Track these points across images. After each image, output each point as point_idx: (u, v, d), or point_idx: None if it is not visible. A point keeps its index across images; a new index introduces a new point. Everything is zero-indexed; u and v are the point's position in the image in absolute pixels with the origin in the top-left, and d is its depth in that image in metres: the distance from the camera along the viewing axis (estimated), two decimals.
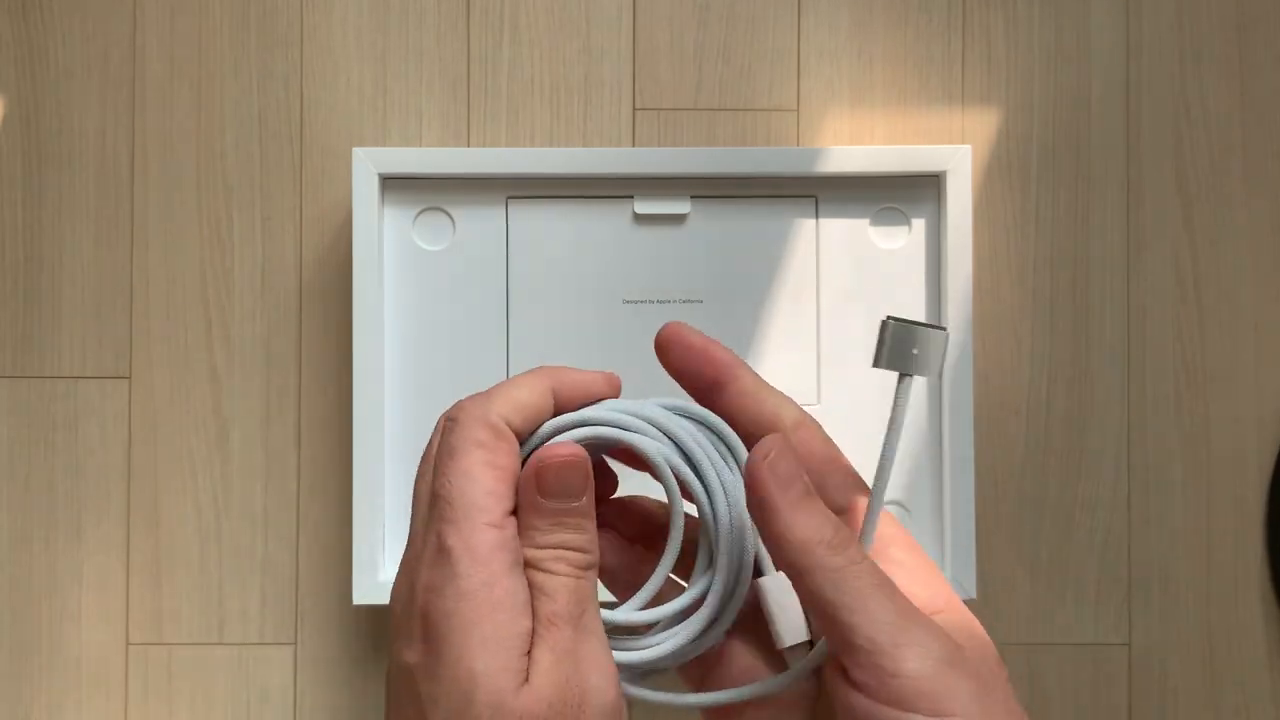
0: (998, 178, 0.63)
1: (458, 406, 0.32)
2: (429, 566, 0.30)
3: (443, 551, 0.29)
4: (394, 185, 0.60)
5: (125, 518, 0.62)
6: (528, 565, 0.30)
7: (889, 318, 0.30)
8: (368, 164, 0.58)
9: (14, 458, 0.62)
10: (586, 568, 0.31)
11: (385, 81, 0.63)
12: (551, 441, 0.32)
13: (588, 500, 0.31)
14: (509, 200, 0.60)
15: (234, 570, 0.62)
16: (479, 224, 0.60)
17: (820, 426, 0.33)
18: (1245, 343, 0.63)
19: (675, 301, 0.61)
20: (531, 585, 0.30)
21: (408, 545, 0.32)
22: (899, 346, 0.29)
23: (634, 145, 0.63)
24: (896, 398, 0.29)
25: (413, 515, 0.32)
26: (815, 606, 0.29)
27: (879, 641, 0.28)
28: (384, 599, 0.58)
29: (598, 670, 0.29)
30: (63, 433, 0.62)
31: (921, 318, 0.60)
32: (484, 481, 0.30)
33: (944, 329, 0.29)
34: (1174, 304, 0.63)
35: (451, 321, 0.60)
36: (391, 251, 0.60)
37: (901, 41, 0.63)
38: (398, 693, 0.30)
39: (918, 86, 0.63)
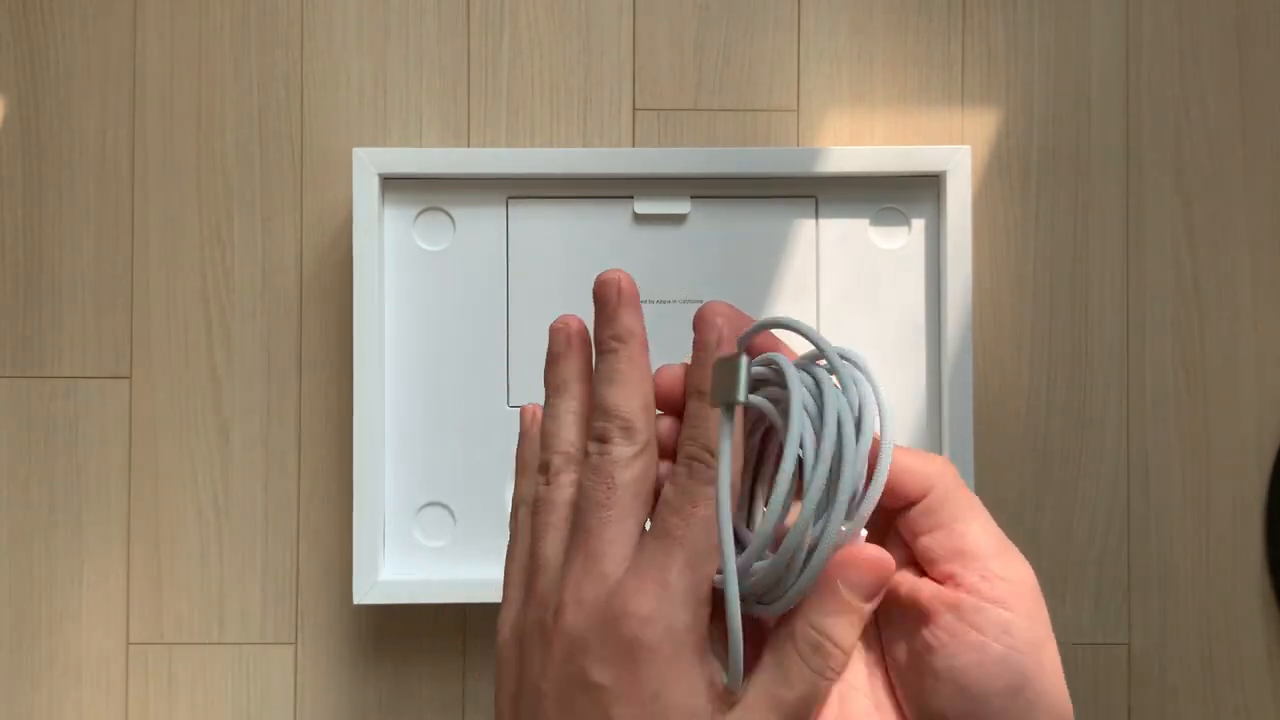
0: (997, 178, 0.63)
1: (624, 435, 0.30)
2: (638, 594, 0.28)
3: (664, 585, 0.27)
4: (394, 185, 0.60)
5: (125, 518, 0.62)
6: (789, 638, 0.28)
7: (720, 359, 0.29)
8: (368, 164, 0.58)
9: (14, 458, 0.62)
10: (836, 675, 0.28)
11: (385, 81, 0.63)
12: (866, 546, 0.29)
13: (869, 608, 0.29)
14: (509, 200, 0.60)
15: (234, 570, 0.62)
16: (479, 224, 0.60)
17: None
18: (1245, 343, 0.63)
19: (675, 301, 0.61)
20: (775, 656, 0.28)
21: (588, 541, 0.29)
22: (721, 382, 0.28)
23: (634, 145, 0.63)
24: (724, 425, 0.28)
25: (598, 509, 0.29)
26: (924, 523, 0.29)
27: (989, 546, 0.29)
28: (384, 599, 0.58)
29: None
30: (63, 433, 0.62)
31: (913, 316, 0.60)
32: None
33: (738, 354, 0.28)
34: (1174, 304, 0.63)
35: (451, 321, 0.60)
36: (392, 251, 0.60)
37: (901, 42, 0.63)
38: (572, 705, 0.28)
39: (918, 87, 0.63)
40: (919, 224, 0.60)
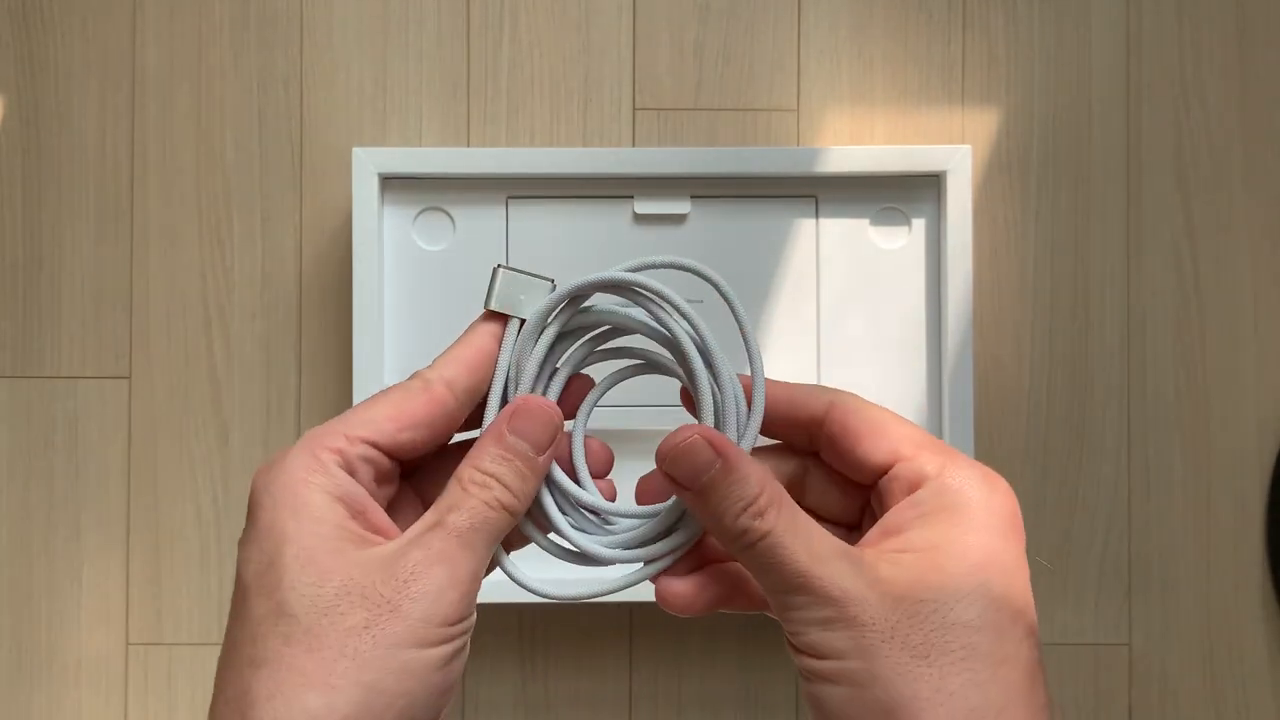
0: (998, 177, 0.63)
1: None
2: None
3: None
4: (394, 185, 0.60)
5: (125, 518, 0.62)
6: (455, 480, 0.30)
7: (499, 266, 0.34)
8: (368, 164, 0.58)
9: (14, 457, 0.62)
10: (504, 508, 0.30)
11: (385, 81, 0.63)
12: (533, 395, 0.32)
13: (543, 460, 0.31)
14: (509, 200, 0.60)
15: (234, 570, 0.62)
16: (479, 224, 0.60)
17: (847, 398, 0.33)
18: (1245, 343, 0.63)
19: None
20: (444, 495, 0.30)
21: None
22: (507, 291, 0.34)
23: (634, 145, 0.63)
24: (504, 339, 0.33)
25: None
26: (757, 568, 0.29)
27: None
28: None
29: (451, 577, 0.29)
30: (63, 433, 0.62)
31: (913, 316, 0.60)
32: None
33: (550, 280, 0.33)
34: (1174, 304, 0.63)
35: (451, 321, 0.60)
36: (392, 251, 0.60)
37: (902, 41, 0.63)
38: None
39: (918, 86, 0.63)
40: (919, 224, 0.60)
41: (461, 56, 0.63)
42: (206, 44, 0.63)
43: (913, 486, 0.29)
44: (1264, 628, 0.62)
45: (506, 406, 0.32)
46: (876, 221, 0.60)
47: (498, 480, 0.30)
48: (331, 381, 0.62)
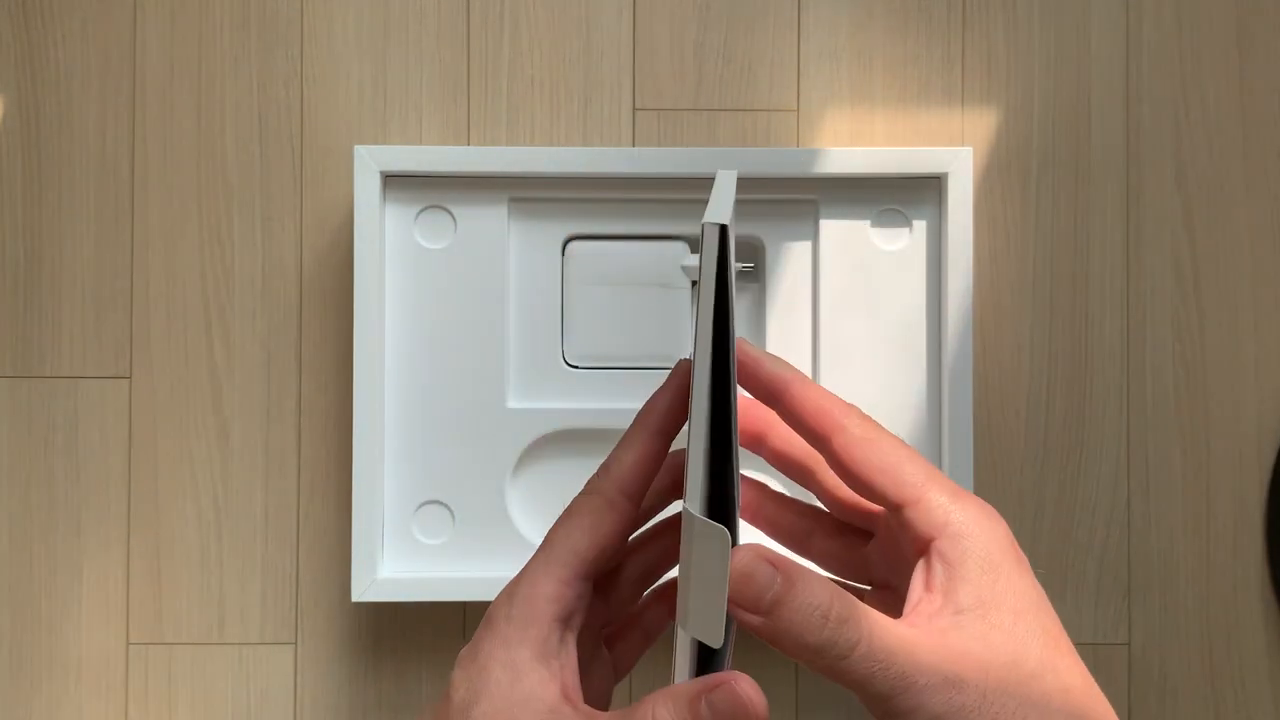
0: (998, 178, 0.63)
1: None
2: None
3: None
4: (395, 183, 0.60)
5: (125, 518, 0.62)
6: (643, 704, 0.30)
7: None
8: (369, 161, 0.58)
9: (14, 458, 0.62)
10: None
11: (385, 81, 0.63)
12: (741, 678, 0.29)
13: None
14: (511, 199, 0.60)
15: (234, 570, 0.62)
16: (480, 222, 0.60)
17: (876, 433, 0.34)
18: (1245, 343, 0.63)
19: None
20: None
21: None
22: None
23: (634, 145, 0.63)
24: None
25: None
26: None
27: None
28: (382, 597, 0.58)
29: None
30: (63, 433, 0.62)
31: (913, 316, 0.60)
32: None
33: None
34: (1174, 304, 0.63)
35: (452, 320, 0.60)
36: (393, 249, 0.60)
37: (901, 42, 0.63)
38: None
39: (918, 87, 0.63)
40: (920, 225, 0.60)
41: (461, 56, 0.63)
42: (207, 44, 0.63)
43: (930, 535, 0.31)
44: (1264, 628, 0.62)
45: (712, 677, 0.29)
46: (877, 223, 0.60)
47: None
48: (332, 381, 0.62)
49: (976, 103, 0.63)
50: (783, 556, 0.29)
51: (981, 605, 0.30)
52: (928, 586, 0.31)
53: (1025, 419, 0.63)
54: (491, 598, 0.35)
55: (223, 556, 0.62)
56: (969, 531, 0.31)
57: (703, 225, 0.29)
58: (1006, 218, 0.63)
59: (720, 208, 0.30)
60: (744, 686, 0.29)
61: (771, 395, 0.34)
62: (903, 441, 0.34)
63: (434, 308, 0.60)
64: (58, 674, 0.62)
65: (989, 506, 0.32)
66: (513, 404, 0.60)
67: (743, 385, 0.34)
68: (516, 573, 0.33)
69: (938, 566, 0.31)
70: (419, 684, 0.62)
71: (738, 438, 0.30)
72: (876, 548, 0.36)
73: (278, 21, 0.63)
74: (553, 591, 0.31)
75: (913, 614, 0.31)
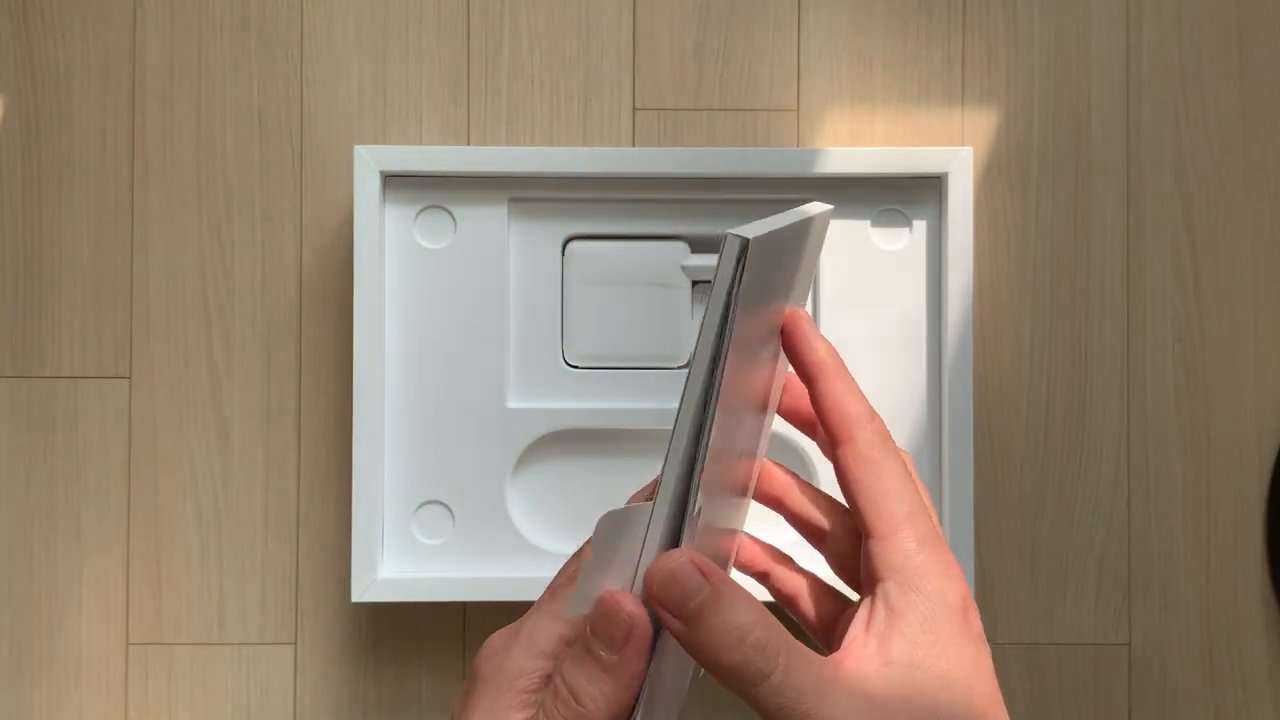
0: (998, 178, 0.63)
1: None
2: None
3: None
4: (395, 183, 0.60)
5: (125, 518, 0.62)
6: (545, 698, 0.30)
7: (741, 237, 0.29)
8: (369, 161, 0.58)
9: (14, 458, 0.62)
10: (577, 716, 0.29)
11: (385, 81, 0.63)
12: (613, 593, 0.29)
13: (621, 659, 0.29)
14: (511, 199, 0.60)
15: (234, 570, 0.62)
16: (480, 222, 0.60)
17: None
18: (1245, 342, 0.63)
19: None
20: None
21: None
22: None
23: (634, 145, 0.63)
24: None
25: None
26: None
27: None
28: (382, 597, 0.58)
29: None
30: (63, 433, 0.62)
31: (913, 316, 0.60)
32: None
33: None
34: (1174, 304, 0.63)
35: (452, 320, 0.60)
36: (393, 249, 0.60)
37: (901, 42, 0.63)
38: None
39: (918, 87, 0.63)
40: (920, 225, 0.60)
41: (461, 56, 0.63)
42: (207, 44, 0.63)
43: (880, 576, 0.31)
44: (1264, 628, 0.62)
45: (593, 609, 0.30)
46: (878, 223, 0.60)
47: (568, 688, 0.29)
48: (332, 381, 0.62)
49: (976, 103, 0.63)
50: (718, 570, 0.29)
51: (911, 664, 0.30)
52: (866, 628, 0.31)
53: (1025, 419, 0.63)
54: (492, 598, 0.35)
55: (223, 556, 0.62)
56: (920, 585, 0.30)
57: (725, 235, 0.28)
58: (1006, 218, 0.63)
59: (763, 227, 0.29)
60: (613, 597, 0.29)
61: (807, 379, 0.34)
62: (905, 471, 0.33)
63: (434, 308, 0.60)
64: (58, 674, 0.62)
65: (955, 565, 0.31)
66: (513, 404, 0.60)
67: (790, 361, 0.35)
68: (516, 619, 0.32)
69: (880, 610, 0.30)
70: (419, 684, 0.62)
71: (706, 453, 0.29)
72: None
73: (278, 21, 0.63)
74: (550, 648, 0.31)
75: (844, 652, 0.30)
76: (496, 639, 0.32)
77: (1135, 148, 0.63)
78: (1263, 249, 0.63)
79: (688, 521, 0.29)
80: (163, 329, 0.62)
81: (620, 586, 0.29)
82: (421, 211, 0.60)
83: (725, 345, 0.28)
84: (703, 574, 0.28)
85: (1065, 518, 0.62)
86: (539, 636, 0.31)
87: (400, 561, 0.60)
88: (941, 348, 0.59)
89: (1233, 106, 0.63)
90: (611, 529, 0.28)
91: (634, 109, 0.63)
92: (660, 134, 0.63)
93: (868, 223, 0.60)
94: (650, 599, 0.29)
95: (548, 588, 0.33)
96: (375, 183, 0.58)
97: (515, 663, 0.31)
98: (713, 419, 0.29)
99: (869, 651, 0.30)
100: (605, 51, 0.63)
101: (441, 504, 0.60)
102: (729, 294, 0.28)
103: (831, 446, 0.33)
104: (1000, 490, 0.62)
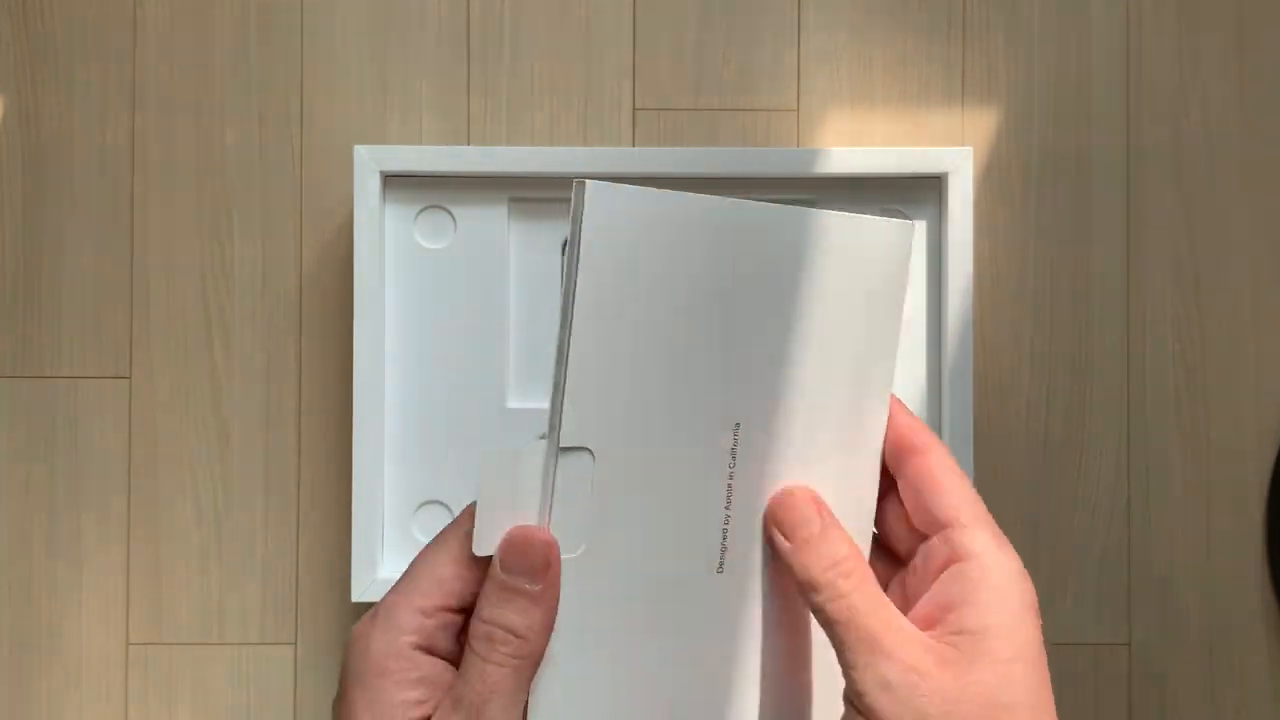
0: (997, 178, 0.63)
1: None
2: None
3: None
4: (395, 183, 0.60)
5: (125, 517, 0.62)
6: (467, 645, 0.31)
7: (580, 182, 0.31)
8: (369, 161, 0.58)
9: (14, 458, 0.62)
10: (519, 656, 0.30)
11: (385, 81, 0.63)
12: (522, 528, 0.32)
13: (544, 589, 0.31)
14: (511, 199, 0.60)
15: (234, 570, 0.62)
16: (480, 222, 0.60)
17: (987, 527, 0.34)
18: (1245, 343, 0.63)
19: None
20: (462, 666, 0.31)
21: None
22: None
23: (634, 145, 0.63)
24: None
25: None
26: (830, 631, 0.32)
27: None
28: (382, 596, 0.58)
29: None
30: (63, 433, 0.62)
31: (921, 319, 0.60)
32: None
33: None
34: (1174, 304, 0.63)
35: (452, 320, 0.60)
36: (392, 249, 0.60)
37: (901, 42, 0.63)
38: None
39: (918, 87, 0.63)
40: (920, 225, 0.60)
41: (461, 56, 0.63)
42: (206, 44, 0.63)
43: (957, 556, 0.32)
44: (1264, 628, 0.62)
45: (500, 543, 0.31)
46: None
47: (500, 627, 0.30)
48: (332, 380, 0.62)
49: (976, 103, 0.63)
50: (829, 509, 0.33)
51: (984, 631, 0.31)
52: (936, 599, 0.32)
53: (1025, 419, 0.63)
54: None
55: (223, 556, 0.62)
56: (999, 568, 0.32)
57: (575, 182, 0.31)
58: (1006, 217, 0.63)
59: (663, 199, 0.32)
60: (520, 531, 0.31)
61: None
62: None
63: (434, 308, 0.60)
64: (58, 674, 0.62)
65: (1020, 563, 0.34)
66: (513, 404, 0.60)
67: None
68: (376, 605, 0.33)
69: (954, 587, 0.32)
70: None
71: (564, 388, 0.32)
72: (900, 581, 0.36)
73: (278, 21, 0.63)
74: (410, 623, 0.31)
75: (913, 614, 0.33)
76: (357, 630, 0.33)
77: (1135, 148, 0.63)
78: (1263, 249, 0.63)
79: (553, 455, 0.32)
80: (163, 329, 0.62)
81: (528, 523, 0.31)
82: (421, 211, 0.60)
83: (570, 302, 0.31)
84: (818, 511, 0.33)
85: (1065, 518, 0.62)
86: (396, 615, 0.32)
87: (400, 561, 0.60)
88: (941, 348, 0.59)
89: (1233, 106, 0.63)
90: (499, 469, 0.31)
91: (634, 109, 0.63)
92: (660, 134, 0.63)
93: None
94: (769, 519, 0.33)
95: (404, 573, 0.34)
96: (375, 183, 0.58)
97: (379, 645, 0.32)
98: (567, 353, 0.31)
99: (936, 618, 0.32)
100: (605, 51, 0.63)
101: (441, 504, 0.60)
102: (573, 239, 0.31)
103: (906, 455, 0.35)
104: (1000, 490, 0.62)
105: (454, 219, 0.60)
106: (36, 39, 0.63)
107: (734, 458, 0.34)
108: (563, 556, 0.32)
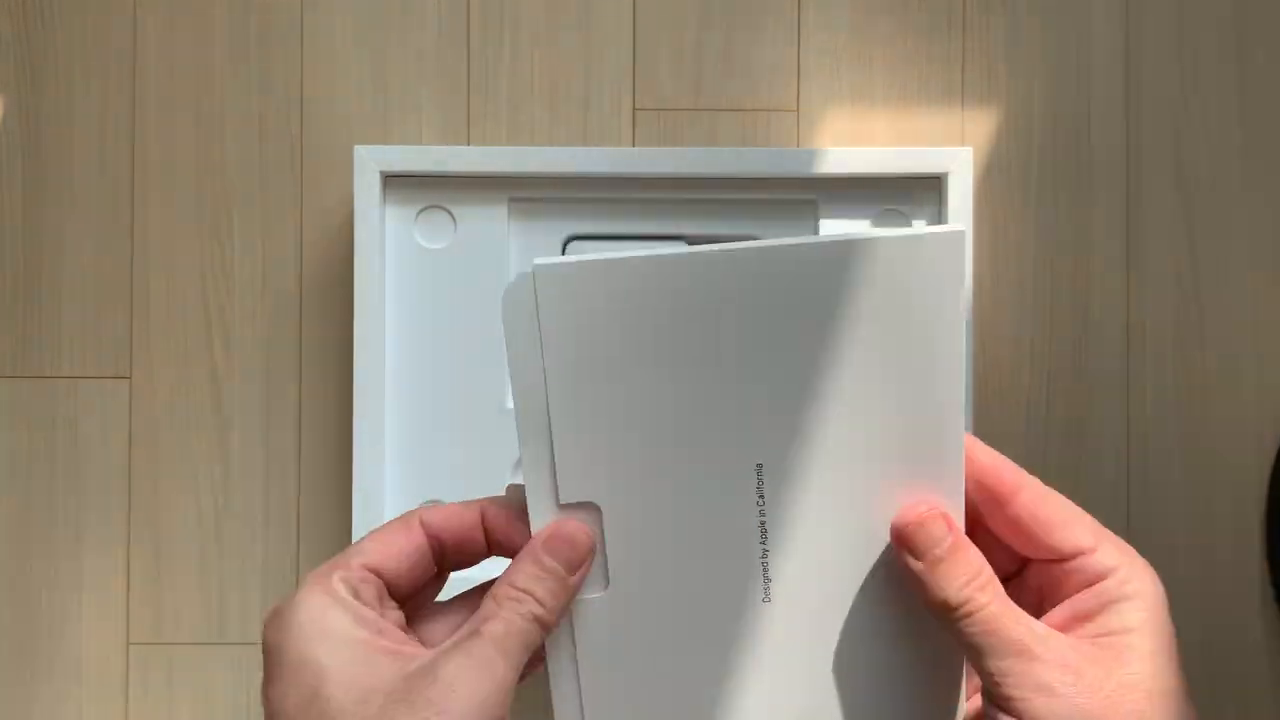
0: (997, 178, 0.63)
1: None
2: None
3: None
4: (395, 183, 0.60)
5: (125, 517, 0.62)
6: (490, 596, 0.33)
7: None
8: (369, 161, 0.58)
9: (14, 457, 0.62)
10: (535, 620, 0.33)
11: (385, 81, 0.63)
12: (569, 520, 0.34)
13: (575, 581, 0.33)
14: (511, 199, 0.60)
15: (234, 570, 0.62)
16: (481, 222, 0.60)
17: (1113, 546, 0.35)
18: (1245, 343, 0.63)
19: None
20: (480, 610, 0.33)
21: None
22: None
23: (634, 145, 0.63)
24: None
25: None
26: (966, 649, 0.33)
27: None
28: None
29: (492, 682, 0.31)
30: (63, 433, 0.62)
31: None
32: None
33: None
34: (1174, 304, 0.63)
35: (452, 320, 0.60)
36: (393, 249, 0.60)
37: (901, 42, 0.63)
38: None
39: (918, 87, 0.63)
40: (920, 225, 0.60)
41: (461, 56, 0.63)
42: (206, 43, 0.63)
43: (1096, 578, 0.33)
44: (1264, 628, 0.62)
45: (543, 529, 0.34)
46: (877, 223, 0.60)
47: (530, 595, 0.33)
48: (332, 380, 0.62)
49: (976, 103, 0.63)
50: (958, 525, 0.33)
51: (1129, 631, 0.33)
52: (1072, 609, 0.33)
53: (1025, 419, 0.63)
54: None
55: (223, 556, 0.62)
56: (1136, 575, 0.33)
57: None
58: (1006, 217, 0.63)
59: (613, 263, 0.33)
60: (569, 526, 0.33)
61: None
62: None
63: (434, 308, 0.60)
64: (58, 674, 0.62)
65: (1149, 566, 0.35)
66: (513, 404, 0.60)
67: None
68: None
69: (1094, 600, 0.33)
70: None
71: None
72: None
73: (278, 22, 0.63)
74: (336, 575, 0.33)
75: (1046, 620, 0.33)
76: (269, 616, 0.33)
77: (1135, 148, 0.63)
78: (1263, 249, 0.63)
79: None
80: (163, 329, 0.62)
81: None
82: (421, 211, 0.60)
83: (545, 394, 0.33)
84: (948, 526, 0.33)
85: None
86: (345, 562, 0.33)
87: None
88: None
89: (1232, 107, 0.63)
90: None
91: (634, 109, 0.63)
92: (660, 134, 0.63)
93: (868, 223, 0.60)
94: (897, 542, 0.33)
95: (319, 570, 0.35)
96: (375, 183, 0.58)
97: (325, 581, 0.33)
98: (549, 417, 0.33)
99: (1076, 626, 0.33)
100: (605, 51, 0.63)
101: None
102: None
103: (1001, 499, 0.35)
104: None
105: (454, 219, 0.60)
106: (36, 39, 0.63)
107: (761, 497, 0.34)
108: (586, 597, 0.34)
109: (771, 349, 0.33)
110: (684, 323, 0.32)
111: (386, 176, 0.59)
